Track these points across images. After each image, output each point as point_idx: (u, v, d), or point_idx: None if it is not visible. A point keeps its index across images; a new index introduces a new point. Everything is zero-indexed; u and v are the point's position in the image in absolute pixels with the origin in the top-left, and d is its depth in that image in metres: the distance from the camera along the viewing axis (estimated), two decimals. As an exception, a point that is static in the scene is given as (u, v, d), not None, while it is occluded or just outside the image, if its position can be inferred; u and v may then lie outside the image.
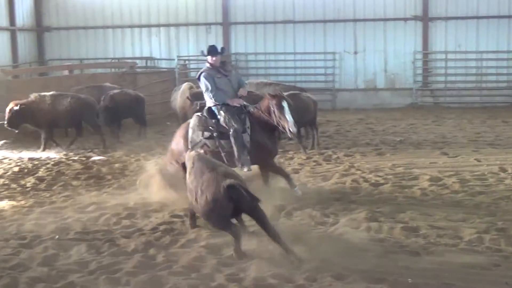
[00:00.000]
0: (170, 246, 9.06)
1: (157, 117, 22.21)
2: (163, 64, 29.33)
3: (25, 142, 18.25)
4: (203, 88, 11.98)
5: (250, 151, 11.68)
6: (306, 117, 16.64)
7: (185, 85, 18.84)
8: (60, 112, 17.55)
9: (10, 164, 15.82)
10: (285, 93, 16.69)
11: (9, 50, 28.11)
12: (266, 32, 28.73)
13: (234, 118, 11.73)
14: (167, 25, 29.52)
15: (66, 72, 23.33)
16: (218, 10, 29.00)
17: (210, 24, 29.20)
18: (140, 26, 29.75)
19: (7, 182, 13.85)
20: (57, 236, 9.62)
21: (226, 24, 28.96)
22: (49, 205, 11.70)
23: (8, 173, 14.71)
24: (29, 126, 17.76)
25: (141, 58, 28.96)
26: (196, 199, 8.88)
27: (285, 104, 11.50)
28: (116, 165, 15.35)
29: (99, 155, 16.68)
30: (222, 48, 12.26)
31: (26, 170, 15.00)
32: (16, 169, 15.15)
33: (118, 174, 14.40)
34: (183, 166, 9.71)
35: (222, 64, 12.13)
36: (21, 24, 28.96)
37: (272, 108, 11.56)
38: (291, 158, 15.64)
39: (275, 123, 11.58)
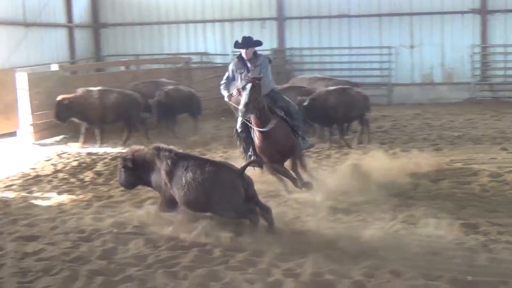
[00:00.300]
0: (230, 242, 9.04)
1: (212, 112, 22.24)
2: (218, 60, 29.40)
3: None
4: None
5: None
6: (353, 112, 16.51)
7: None
8: (107, 107, 17.82)
9: (68, 158, 16.06)
10: (334, 87, 16.76)
11: (67, 46, 28.52)
12: (321, 27, 28.55)
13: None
14: (222, 21, 29.57)
15: (122, 68, 23.56)
16: (273, 5, 28.92)
17: (264, 19, 29.14)
18: (195, 22, 29.86)
19: (66, 176, 14.06)
20: (115, 230, 9.72)
21: (281, 19, 28.87)
22: (107, 200, 11.85)
23: (67, 168, 14.93)
24: (77, 120, 17.96)
25: (196, 54, 29.08)
26: (201, 195, 9.25)
27: (248, 85, 11.10)
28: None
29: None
30: (257, 41, 11.89)
31: (84, 165, 15.21)
32: (74, 163, 15.38)
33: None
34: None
35: (254, 56, 11.87)
36: (78, 21, 29.35)
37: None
38: (347, 154, 15.51)
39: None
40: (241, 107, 11.06)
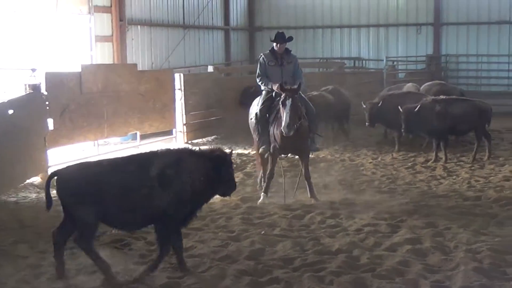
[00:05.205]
0: (375, 248, 8.96)
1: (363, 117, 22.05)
2: (371, 65, 29.20)
3: (235, 138, 18.81)
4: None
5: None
6: (465, 124, 15.69)
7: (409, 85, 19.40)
8: None
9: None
10: (446, 97, 16.07)
11: (223, 48, 29.18)
12: (479, 34, 27.76)
13: (263, 103, 12.03)
14: (377, 26, 29.35)
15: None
16: (430, 11, 28.42)
17: (420, 24, 28.67)
18: (350, 27, 29.80)
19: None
20: (263, 232, 9.82)
21: (437, 25, 28.30)
22: (256, 201, 11.97)
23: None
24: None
25: (349, 59, 29.01)
26: None
27: (288, 102, 11.12)
28: (321, 164, 15.41)
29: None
30: (290, 37, 12.21)
31: (234, 166, 15.34)
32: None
33: (323, 173, 14.43)
34: None
35: (286, 52, 12.15)
36: (234, 24, 29.96)
37: (280, 101, 11.37)
38: (502, 165, 14.98)
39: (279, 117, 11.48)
40: (284, 128, 11.17)
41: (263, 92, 12.22)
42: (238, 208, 11.40)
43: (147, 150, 8.19)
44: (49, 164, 13.99)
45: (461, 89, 20.05)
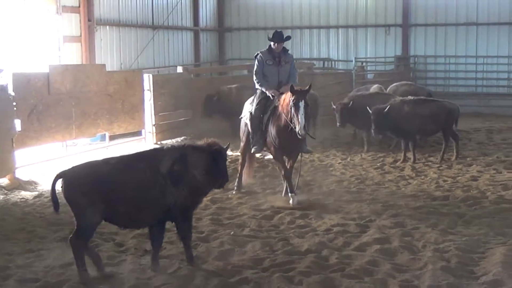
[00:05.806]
0: (343, 248, 9.02)
1: (334, 118, 22.10)
2: (340, 66, 29.28)
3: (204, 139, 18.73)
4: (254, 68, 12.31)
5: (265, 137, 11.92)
6: (433, 125, 15.76)
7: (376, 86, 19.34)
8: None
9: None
10: (414, 98, 16.15)
11: (192, 49, 29.07)
12: (447, 35, 27.95)
13: (259, 103, 12.02)
14: (346, 27, 29.43)
15: (245, 72, 23.79)
16: (398, 12, 28.53)
17: (389, 25, 28.79)
18: (319, 27, 29.84)
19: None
20: (232, 232, 9.82)
21: (406, 26, 28.44)
22: (225, 201, 12.00)
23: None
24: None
25: (318, 59, 29.05)
26: None
27: (301, 104, 11.00)
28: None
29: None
30: (288, 37, 12.35)
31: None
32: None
33: (292, 174, 14.42)
34: None
35: (283, 52, 12.20)
36: (204, 25, 29.89)
37: (290, 103, 11.18)
38: (470, 165, 15.11)
39: (289, 120, 11.25)
40: (301, 130, 10.98)
41: (258, 91, 12.19)
42: (207, 209, 11.40)
43: (152, 147, 8.31)
44: (16, 166, 13.87)
45: (429, 90, 20.18)
